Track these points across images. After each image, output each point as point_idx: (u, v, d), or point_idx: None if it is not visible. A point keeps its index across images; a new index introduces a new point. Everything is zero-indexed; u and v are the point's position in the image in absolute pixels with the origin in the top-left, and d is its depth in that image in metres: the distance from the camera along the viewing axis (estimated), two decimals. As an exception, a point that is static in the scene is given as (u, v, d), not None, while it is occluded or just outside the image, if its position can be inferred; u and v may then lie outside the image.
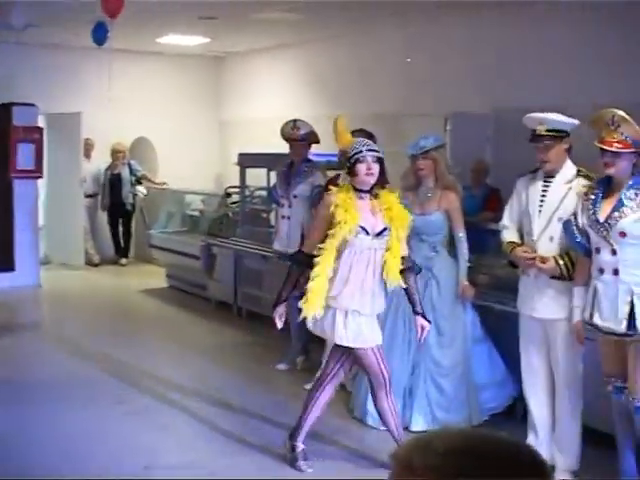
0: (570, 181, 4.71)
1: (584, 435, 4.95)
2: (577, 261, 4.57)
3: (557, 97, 7.10)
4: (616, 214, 4.25)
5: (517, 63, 8.03)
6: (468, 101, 8.07)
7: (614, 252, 4.26)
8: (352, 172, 4.71)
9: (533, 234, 4.76)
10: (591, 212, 4.35)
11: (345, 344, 4.81)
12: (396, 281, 4.75)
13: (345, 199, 4.69)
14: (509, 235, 4.94)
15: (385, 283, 4.79)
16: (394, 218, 4.75)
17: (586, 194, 4.45)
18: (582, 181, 4.67)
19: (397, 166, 5.92)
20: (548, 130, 4.65)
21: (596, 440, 5.06)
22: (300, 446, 5.05)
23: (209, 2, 8.37)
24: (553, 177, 4.77)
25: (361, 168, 4.67)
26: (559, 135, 4.66)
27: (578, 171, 4.73)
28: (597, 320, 4.38)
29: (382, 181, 4.80)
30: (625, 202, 4.26)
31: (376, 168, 4.69)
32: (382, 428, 5.40)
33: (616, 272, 4.27)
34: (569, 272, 4.64)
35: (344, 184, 4.91)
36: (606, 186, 4.39)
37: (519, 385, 5.28)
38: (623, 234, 4.22)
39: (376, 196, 4.78)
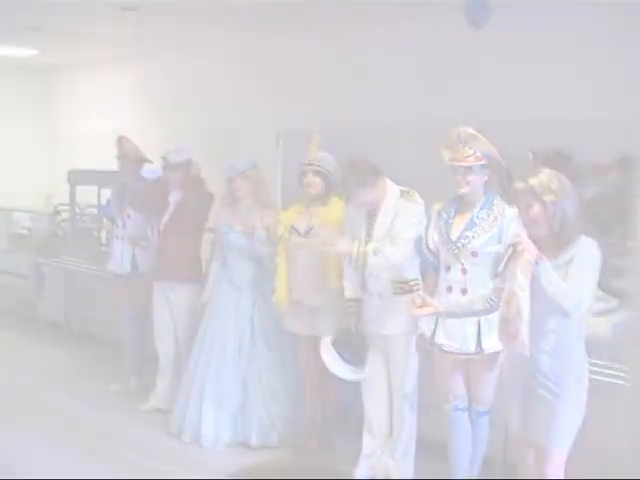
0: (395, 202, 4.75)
1: (417, 444, 5.04)
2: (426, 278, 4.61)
3: (385, 114, 7.28)
4: (468, 233, 4.27)
5: (343, 81, 8.12)
6: (299, 118, 8.15)
7: (464, 271, 4.26)
8: (301, 183, 5.23)
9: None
10: (443, 230, 4.36)
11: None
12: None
13: (294, 207, 5.34)
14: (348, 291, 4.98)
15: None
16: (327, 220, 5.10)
17: (439, 212, 4.44)
18: (404, 202, 4.70)
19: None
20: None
21: (429, 450, 5.10)
22: None
23: (38, 13, 8.10)
24: None
25: (304, 180, 5.18)
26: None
27: (401, 191, 4.77)
28: (440, 339, 4.36)
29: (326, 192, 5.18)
30: (477, 222, 4.28)
31: (316, 180, 5.13)
32: (219, 447, 5.60)
33: (464, 291, 4.27)
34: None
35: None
36: (458, 204, 4.39)
37: None
38: (475, 254, 4.24)
39: (325, 203, 5.19)
